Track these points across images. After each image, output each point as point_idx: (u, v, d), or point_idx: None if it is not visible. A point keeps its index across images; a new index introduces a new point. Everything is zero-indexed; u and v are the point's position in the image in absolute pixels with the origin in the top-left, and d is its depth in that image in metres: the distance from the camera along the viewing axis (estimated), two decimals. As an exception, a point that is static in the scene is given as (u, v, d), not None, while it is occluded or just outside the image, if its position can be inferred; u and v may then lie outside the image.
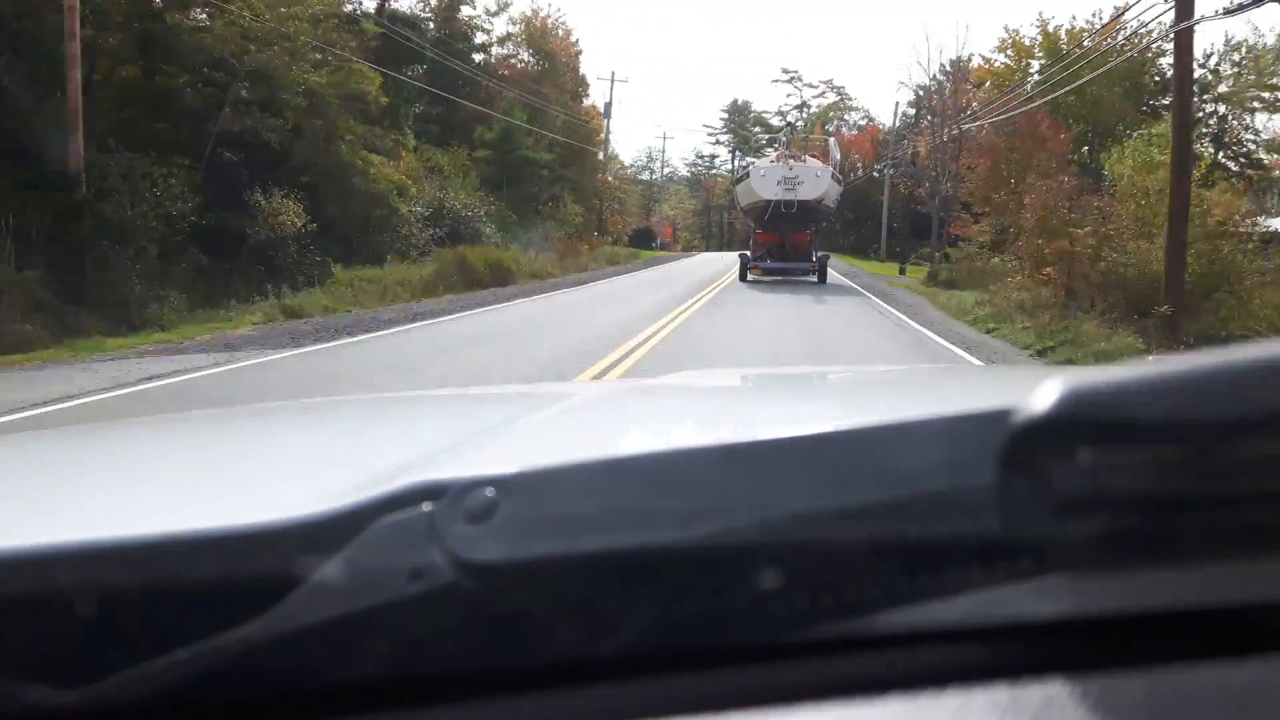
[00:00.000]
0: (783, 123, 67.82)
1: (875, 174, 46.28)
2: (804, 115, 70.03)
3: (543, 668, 0.44)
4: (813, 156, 25.71)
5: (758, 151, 69.06)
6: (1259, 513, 0.43)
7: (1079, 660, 0.44)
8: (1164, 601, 0.45)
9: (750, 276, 23.14)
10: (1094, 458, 0.42)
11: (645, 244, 55.56)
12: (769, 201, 21.98)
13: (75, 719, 0.42)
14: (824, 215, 25.17)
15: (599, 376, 8.09)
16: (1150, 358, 1.26)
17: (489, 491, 0.45)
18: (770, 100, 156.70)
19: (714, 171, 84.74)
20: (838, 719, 0.42)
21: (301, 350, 10.16)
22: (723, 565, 0.44)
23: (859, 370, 2.40)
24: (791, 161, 23.23)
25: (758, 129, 78.70)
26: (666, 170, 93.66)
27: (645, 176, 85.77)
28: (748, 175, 24.18)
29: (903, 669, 0.44)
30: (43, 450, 0.93)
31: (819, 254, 23.79)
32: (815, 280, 22.32)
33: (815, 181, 22.31)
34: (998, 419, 0.43)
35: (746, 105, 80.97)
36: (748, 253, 24.95)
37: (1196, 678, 0.44)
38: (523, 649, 0.43)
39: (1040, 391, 0.42)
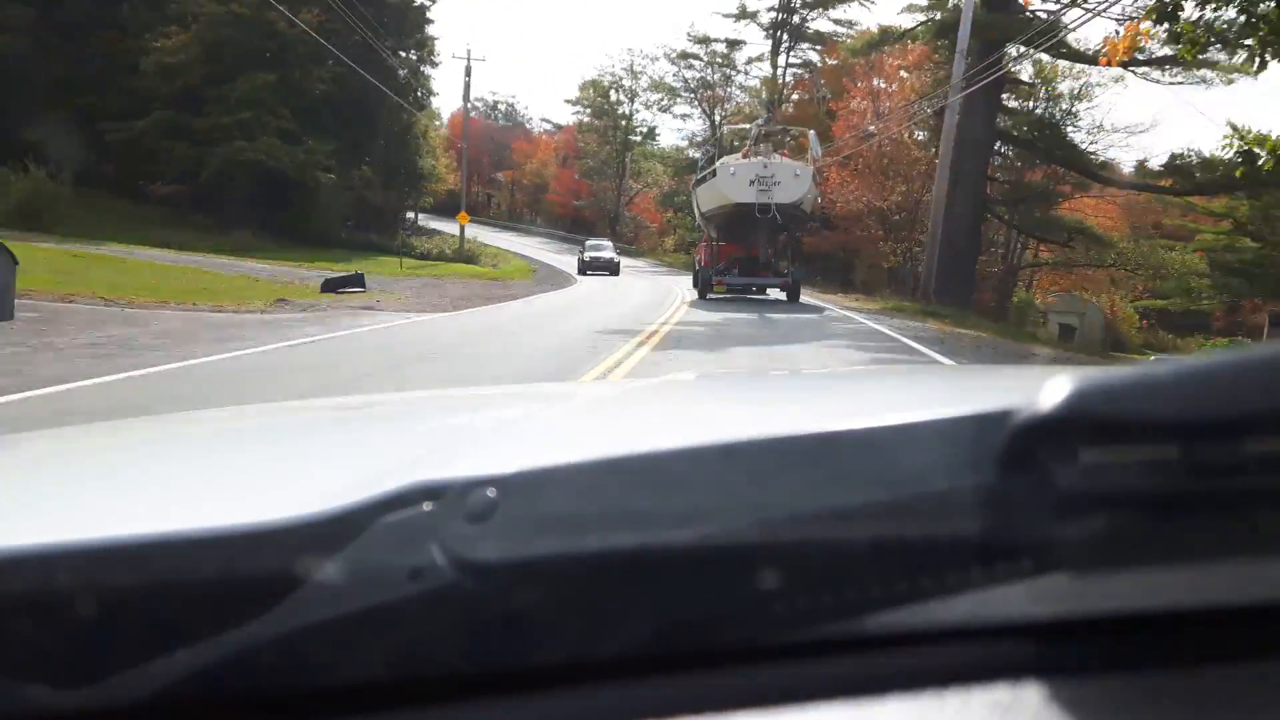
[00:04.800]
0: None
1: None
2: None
3: (543, 668, 0.44)
4: (782, 155, 22.40)
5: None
6: (1259, 513, 0.43)
7: (1079, 660, 0.44)
8: (1164, 601, 0.46)
9: (711, 295, 20.11)
10: (1094, 457, 0.42)
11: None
12: (739, 205, 19.15)
13: (75, 719, 0.42)
14: (800, 222, 22.35)
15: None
16: (1152, 358, 0.93)
17: (489, 491, 0.45)
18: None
19: (733, 90, 47.96)
20: None
21: None
22: (723, 565, 0.44)
23: (860, 370, 2.53)
24: (766, 159, 20.03)
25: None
26: (645, 114, 54.27)
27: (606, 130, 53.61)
28: (713, 175, 20.88)
29: (903, 669, 0.44)
30: (43, 450, 0.92)
31: (793, 270, 21.41)
32: (785, 299, 19.85)
33: (794, 183, 19.43)
34: (998, 419, 0.44)
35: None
36: (696, 268, 22.22)
37: (1197, 678, 0.44)
38: (523, 649, 0.43)
39: (1041, 391, 0.42)
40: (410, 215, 45.76)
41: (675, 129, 66.89)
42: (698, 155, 43.45)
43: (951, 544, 0.44)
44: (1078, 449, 0.42)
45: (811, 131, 23.70)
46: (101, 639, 0.43)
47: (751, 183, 18.99)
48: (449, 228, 51.23)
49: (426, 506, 0.45)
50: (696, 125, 51.27)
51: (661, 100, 51.76)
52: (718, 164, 21.22)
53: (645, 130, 54.94)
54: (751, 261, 20.78)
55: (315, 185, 30.43)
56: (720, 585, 0.44)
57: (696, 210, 24.23)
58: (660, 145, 54.72)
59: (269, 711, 0.43)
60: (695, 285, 22.58)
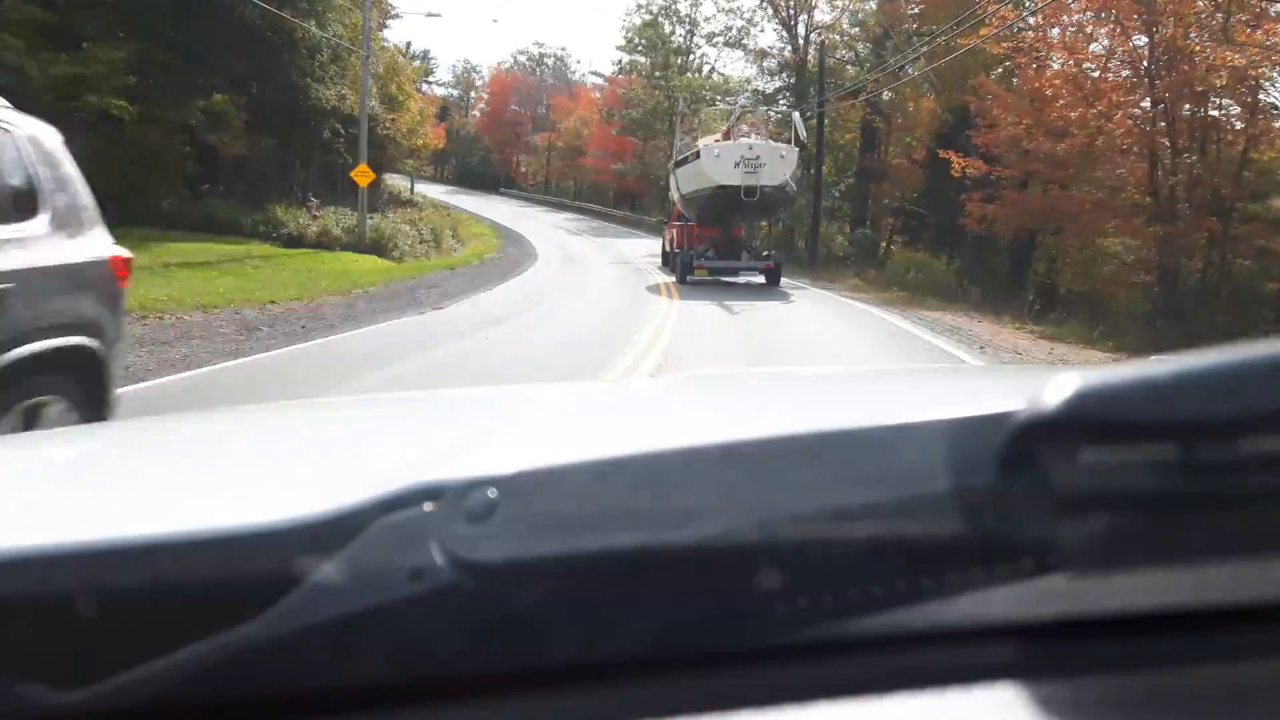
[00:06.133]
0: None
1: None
2: None
3: (543, 668, 0.44)
4: (754, 134, 21.77)
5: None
6: (1259, 513, 0.43)
7: (1080, 660, 0.44)
8: (1164, 601, 0.46)
9: (691, 278, 18.79)
10: (1094, 458, 0.42)
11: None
12: (722, 188, 18.24)
13: (75, 719, 0.42)
14: (783, 206, 21.77)
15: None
16: (1152, 357, 0.59)
17: (489, 492, 0.45)
18: None
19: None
20: None
21: None
22: (723, 565, 0.44)
23: (860, 371, 2.47)
24: (750, 141, 19.50)
25: None
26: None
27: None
28: (696, 156, 19.97)
29: (904, 669, 0.44)
30: (43, 451, 0.92)
31: (773, 253, 20.45)
32: (763, 282, 18.87)
33: (780, 164, 18.35)
34: (998, 419, 0.44)
35: None
36: (667, 249, 21.93)
37: (1196, 678, 0.44)
38: (523, 649, 0.43)
39: (1041, 392, 0.42)
40: (392, 179, 33.82)
41: (747, 64, 49.92)
42: (769, 89, 31.76)
43: (951, 544, 0.44)
44: (1078, 449, 0.42)
45: (795, 113, 23.01)
46: (101, 639, 0.42)
47: (736, 165, 18.27)
48: (455, 200, 38.61)
49: (426, 507, 0.44)
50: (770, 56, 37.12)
51: (730, 31, 38.00)
52: (700, 145, 20.96)
53: (708, 73, 41.54)
54: (732, 244, 20.09)
55: (96, 120, 17.92)
56: (720, 586, 0.44)
57: (675, 192, 23.29)
58: (729, 75, 40.15)
59: (269, 711, 0.43)
60: (665, 265, 22.18)
